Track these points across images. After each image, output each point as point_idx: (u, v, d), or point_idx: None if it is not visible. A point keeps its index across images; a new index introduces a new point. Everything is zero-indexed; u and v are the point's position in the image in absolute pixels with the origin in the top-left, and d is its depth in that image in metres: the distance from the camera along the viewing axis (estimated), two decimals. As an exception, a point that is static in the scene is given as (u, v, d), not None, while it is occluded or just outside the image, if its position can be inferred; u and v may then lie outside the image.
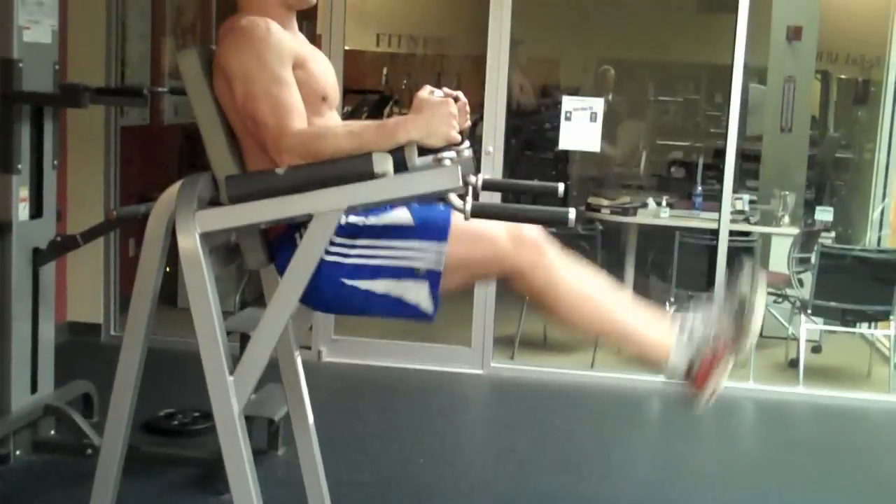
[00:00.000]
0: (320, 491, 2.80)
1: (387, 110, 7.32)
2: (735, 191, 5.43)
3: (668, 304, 5.39)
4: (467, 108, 2.20)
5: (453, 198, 2.06)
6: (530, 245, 2.20)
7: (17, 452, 3.69)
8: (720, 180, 5.27)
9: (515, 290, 2.24)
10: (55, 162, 3.79)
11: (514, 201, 5.42)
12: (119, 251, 5.49)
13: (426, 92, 2.13)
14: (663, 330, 2.22)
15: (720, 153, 5.57)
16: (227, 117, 2.23)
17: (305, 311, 2.35)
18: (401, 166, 2.05)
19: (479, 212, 2.13)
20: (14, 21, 3.50)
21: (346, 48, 5.32)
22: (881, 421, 5.01)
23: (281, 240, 2.25)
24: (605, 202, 6.36)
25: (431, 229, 2.18)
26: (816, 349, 5.84)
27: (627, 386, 5.11)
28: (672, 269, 5.42)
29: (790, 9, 6.47)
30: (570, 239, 5.57)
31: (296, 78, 2.19)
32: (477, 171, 2.34)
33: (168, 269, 2.32)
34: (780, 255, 5.86)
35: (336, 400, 4.68)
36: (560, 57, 9.42)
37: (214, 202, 2.21)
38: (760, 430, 4.93)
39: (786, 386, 5.23)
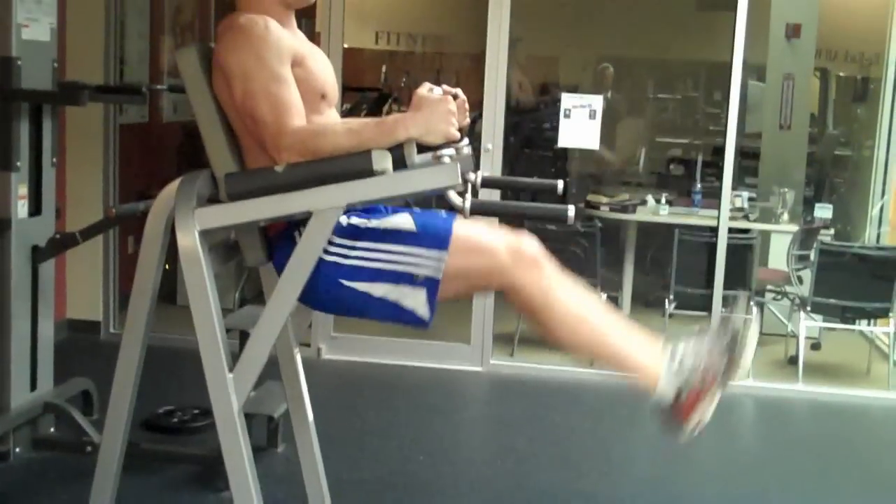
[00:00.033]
0: (320, 488, 2.81)
1: (386, 108, 7.31)
2: (734, 188, 5.44)
3: (667, 300, 5.39)
4: (466, 105, 2.20)
5: (452, 195, 2.06)
6: (529, 261, 2.19)
7: (17, 450, 3.69)
8: (719, 177, 5.27)
9: (512, 304, 2.24)
10: (54, 159, 3.80)
11: (514, 199, 5.42)
12: (118, 248, 5.49)
13: (425, 89, 2.13)
14: (654, 356, 2.21)
15: (719, 150, 5.57)
16: (226, 115, 2.23)
17: (305, 308, 2.35)
18: (400, 164, 2.05)
19: (479, 209, 2.14)
20: (13, 19, 3.50)
21: (345, 46, 5.32)
22: (880, 418, 5.01)
23: (280, 238, 2.25)
24: (605, 199, 6.36)
25: (433, 237, 2.18)
26: (816, 346, 5.85)
27: (626, 383, 5.10)
28: (671, 266, 5.43)
29: (789, 6, 6.46)
30: (569, 236, 5.63)
31: (295, 76, 2.19)
32: (476, 168, 2.34)
33: (167, 267, 2.32)
34: (780, 252, 5.87)
35: (335, 397, 4.69)
36: (559, 54, 9.41)
37: (213, 199, 2.21)
38: (760, 428, 4.93)
39: (785, 383, 5.24)
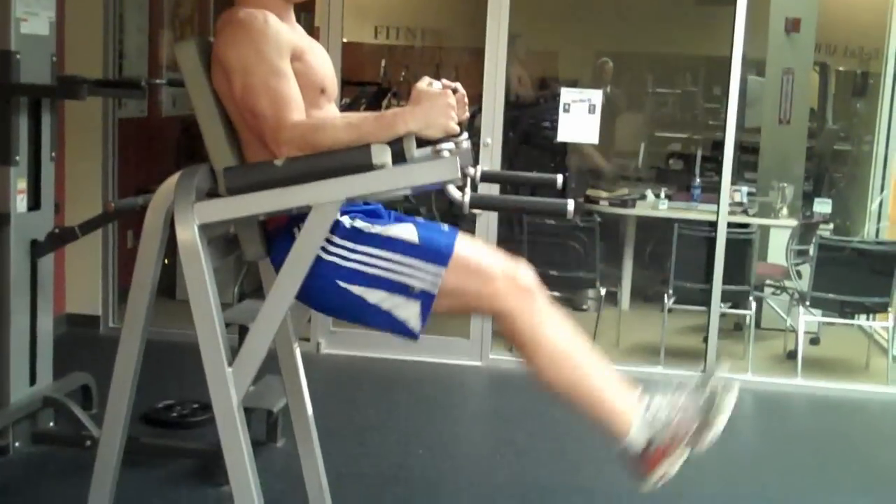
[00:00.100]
0: (319, 482, 2.80)
1: (385, 102, 7.31)
2: (733, 183, 5.44)
3: (666, 295, 5.39)
4: (466, 99, 2.20)
5: (452, 189, 2.06)
6: (523, 290, 2.20)
7: (17, 444, 3.69)
8: (719, 172, 5.27)
9: (500, 330, 2.26)
10: (53, 154, 3.79)
11: (513, 193, 5.42)
12: (117, 243, 5.49)
13: (425, 83, 2.13)
14: (631, 403, 2.23)
15: (719, 145, 5.57)
16: (226, 109, 2.23)
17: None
18: (399, 158, 2.05)
19: (478, 203, 2.13)
20: (11, 12, 3.50)
21: (345, 40, 5.31)
22: (879, 412, 5.02)
23: (278, 234, 2.25)
24: (604, 194, 6.37)
25: (434, 251, 2.18)
26: (815, 341, 5.85)
27: (626, 378, 5.10)
28: (670, 261, 5.43)
29: (789, 0, 6.46)
30: (568, 231, 5.63)
31: (294, 70, 2.19)
32: (475, 162, 2.34)
33: (166, 261, 2.32)
34: (779, 246, 5.87)
35: (335, 392, 4.69)
36: (558, 49, 9.41)
37: (213, 194, 2.21)
38: (759, 422, 4.93)
39: (784, 378, 5.24)
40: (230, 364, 2.14)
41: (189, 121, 5.71)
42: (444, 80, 2.16)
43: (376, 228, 2.21)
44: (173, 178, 2.22)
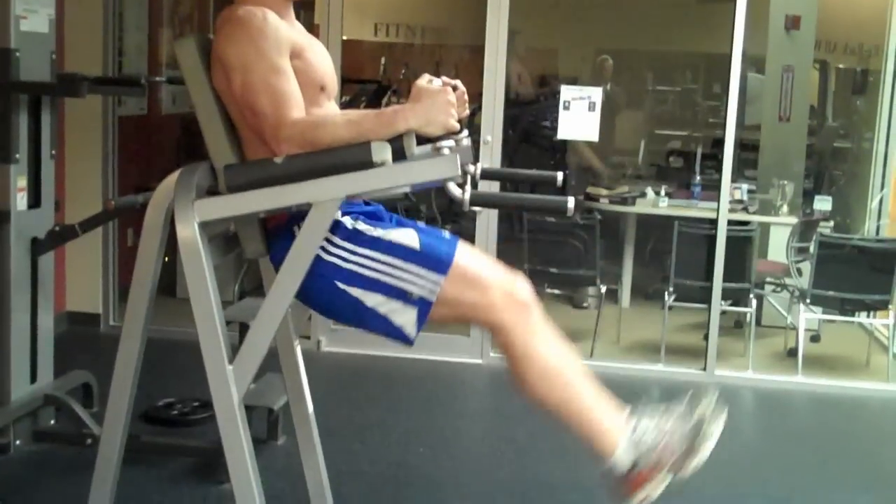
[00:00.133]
0: (320, 480, 2.81)
1: (385, 100, 7.30)
2: (734, 180, 5.44)
3: (667, 293, 5.39)
4: (466, 96, 2.20)
5: (452, 186, 2.06)
6: (520, 305, 2.22)
7: (17, 442, 3.69)
8: (719, 170, 5.27)
9: (494, 343, 2.26)
10: (53, 152, 3.79)
11: (513, 191, 5.43)
12: (117, 241, 5.49)
13: (425, 80, 2.13)
14: (618, 424, 2.23)
15: (719, 143, 5.57)
16: (225, 106, 2.23)
17: (304, 301, 2.35)
18: (399, 155, 2.05)
19: (478, 200, 2.13)
20: (11, 10, 3.50)
21: (344, 38, 5.31)
22: (879, 410, 5.02)
23: (278, 231, 2.25)
24: (604, 192, 6.37)
25: (434, 259, 2.18)
26: (815, 338, 5.85)
27: (626, 375, 5.11)
28: (671, 258, 5.43)
29: (788, -3, 6.46)
30: (568, 228, 5.63)
31: (293, 67, 2.19)
32: (475, 160, 2.34)
33: (167, 259, 2.32)
34: (779, 244, 5.87)
35: (335, 389, 4.69)
36: (558, 46, 9.41)
37: (213, 191, 2.20)
38: (759, 420, 4.93)
39: (784, 375, 5.24)
40: (231, 362, 2.14)
41: (189, 118, 5.72)
42: (444, 78, 2.16)
43: (378, 232, 2.21)
44: (173, 176, 2.22)
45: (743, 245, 5.34)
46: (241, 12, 2.19)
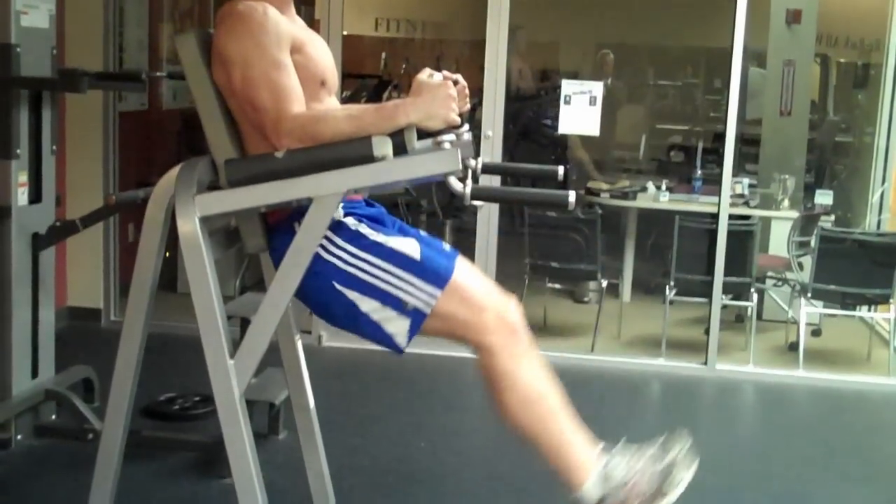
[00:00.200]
0: (321, 474, 2.81)
1: (386, 95, 7.30)
2: (735, 174, 5.43)
3: (668, 287, 5.39)
4: (466, 91, 2.20)
5: (453, 181, 2.06)
6: (510, 329, 2.24)
7: (19, 437, 3.70)
8: (720, 164, 5.26)
9: (478, 364, 2.27)
10: (54, 147, 3.79)
11: (514, 185, 5.42)
12: (118, 236, 5.49)
13: (425, 75, 2.13)
14: (590, 457, 2.24)
15: (720, 137, 5.56)
16: (226, 101, 2.23)
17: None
18: (400, 149, 2.05)
19: (479, 195, 2.14)
20: (12, 5, 3.50)
21: (345, 33, 5.30)
22: (881, 404, 5.02)
23: (279, 227, 2.25)
24: (605, 186, 6.37)
25: (433, 273, 2.19)
26: (816, 332, 5.85)
27: (627, 369, 5.12)
28: (672, 253, 5.43)
29: (790, -9, 6.45)
30: (569, 223, 5.63)
31: (294, 62, 2.19)
32: (476, 154, 2.34)
33: (168, 254, 2.32)
34: (780, 238, 5.87)
35: (337, 384, 4.69)
36: (559, 41, 9.40)
37: (214, 186, 2.21)
38: (760, 414, 4.94)
39: (786, 369, 5.24)
40: (232, 356, 2.14)
41: (189, 113, 5.70)
42: (445, 72, 2.16)
43: (380, 237, 2.22)
44: (174, 171, 2.22)
45: (744, 239, 5.34)
46: (242, 7, 2.19)
